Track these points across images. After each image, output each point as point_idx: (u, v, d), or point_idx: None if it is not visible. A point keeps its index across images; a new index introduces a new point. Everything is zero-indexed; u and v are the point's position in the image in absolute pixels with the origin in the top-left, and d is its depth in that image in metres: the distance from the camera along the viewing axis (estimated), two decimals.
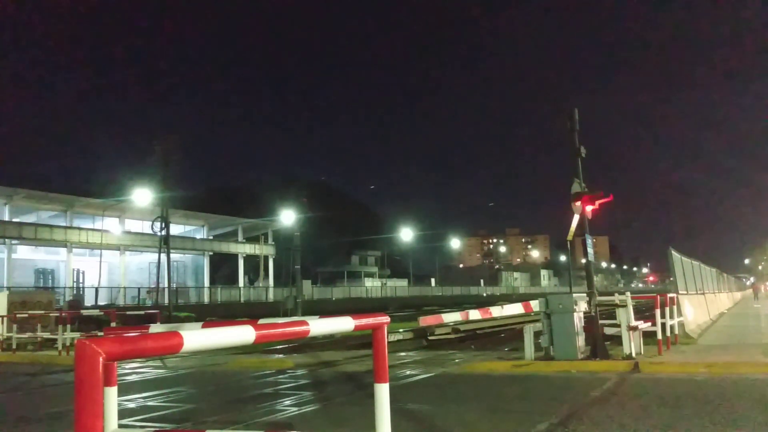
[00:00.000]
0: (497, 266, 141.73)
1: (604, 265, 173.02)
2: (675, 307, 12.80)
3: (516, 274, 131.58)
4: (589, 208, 10.66)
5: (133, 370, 11.98)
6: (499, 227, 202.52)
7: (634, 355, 10.14)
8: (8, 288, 34.19)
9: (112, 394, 2.79)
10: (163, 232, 32.93)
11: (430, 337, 16.36)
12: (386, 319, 3.01)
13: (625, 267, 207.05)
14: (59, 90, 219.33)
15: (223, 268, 62.07)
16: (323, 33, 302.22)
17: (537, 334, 10.80)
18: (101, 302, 39.25)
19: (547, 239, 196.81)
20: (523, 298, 17.73)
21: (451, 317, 14.21)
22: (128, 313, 21.73)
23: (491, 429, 5.90)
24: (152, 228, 34.69)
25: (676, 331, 12.73)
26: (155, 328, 4.75)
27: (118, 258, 46.69)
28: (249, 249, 58.13)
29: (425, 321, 14.24)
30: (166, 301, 33.68)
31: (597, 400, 7.10)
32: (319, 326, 2.75)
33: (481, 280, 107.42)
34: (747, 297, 49.20)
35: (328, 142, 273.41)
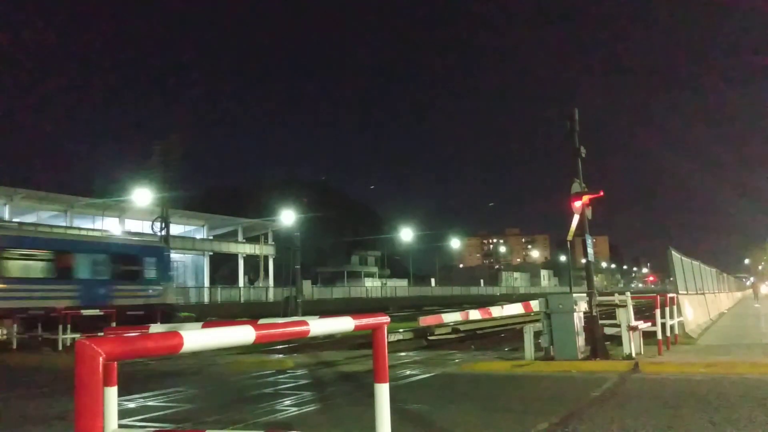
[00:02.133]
0: (497, 266, 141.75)
1: (604, 265, 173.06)
2: (675, 307, 12.80)
3: (516, 274, 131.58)
4: (578, 204, 10.64)
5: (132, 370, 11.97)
6: (499, 227, 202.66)
7: (634, 355, 10.14)
8: None
9: (112, 394, 2.79)
10: (163, 232, 32.92)
11: (430, 337, 16.36)
12: (386, 319, 3.02)
13: (625, 267, 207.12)
14: (59, 90, 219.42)
15: (223, 268, 62.08)
16: (323, 33, 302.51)
17: (537, 334, 10.81)
18: None
19: (547, 239, 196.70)
20: (523, 298, 17.74)
21: (451, 317, 14.22)
22: (128, 313, 21.68)
23: (491, 429, 5.90)
24: (152, 228, 34.65)
25: (676, 331, 12.74)
26: (155, 328, 4.76)
27: None
28: (249, 249, 58.11)
29: (425, 321, 14.24)
30: None
31: (597, 400, 7.10)
32: (319, 326, 2.75)
33: (481, 280, 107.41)
34: (747, 297, 49.20)
35: (328, 142, 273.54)
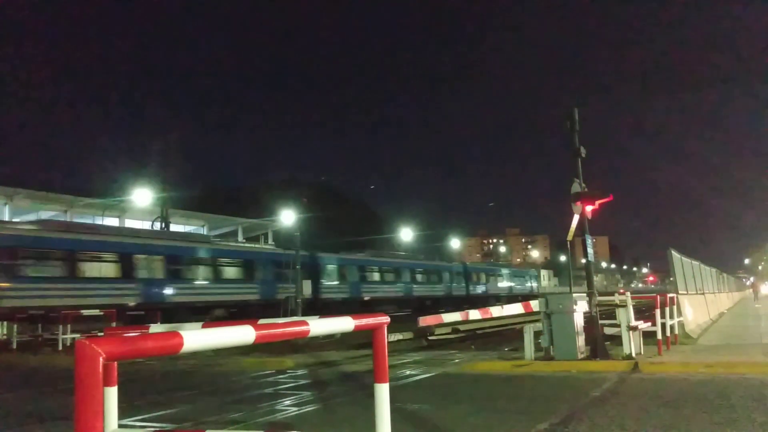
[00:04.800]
0: None
1: (604, 265, 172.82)
2: (675, 307, 12.80)
3: None
4: (589, 208, 10.67)
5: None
6: (499, 227, 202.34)
7: (634, 355, 10.14)
8: None
9: (112, 394, 2.79)
10: None
11: (430, 337, 16.34)
12: (386, 319, 3.01)
13: (625, 267, 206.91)
14: (59, 90, 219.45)
15: None
16: (323, 33, 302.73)
17: (537, 334, 10.80)
18: None
19: (547, 239, 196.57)
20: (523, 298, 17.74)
21: (451, 317, 14.23)
22: (129, 312, 21.72)
23: (491, 429, 5.90)
24: (152, 228, 34.73)
25: (676, 331, 12.74)
26: (155, 328, 4.74)
27: None
28: None
29: (425, 321, 14.25)
30: None
31: (597, 400, 7.10)
32: (319, 326, 2.75)
33: None
34: (747, 297, 49.20)
35: (328, 142, 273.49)
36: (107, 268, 23.33)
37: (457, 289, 47.38)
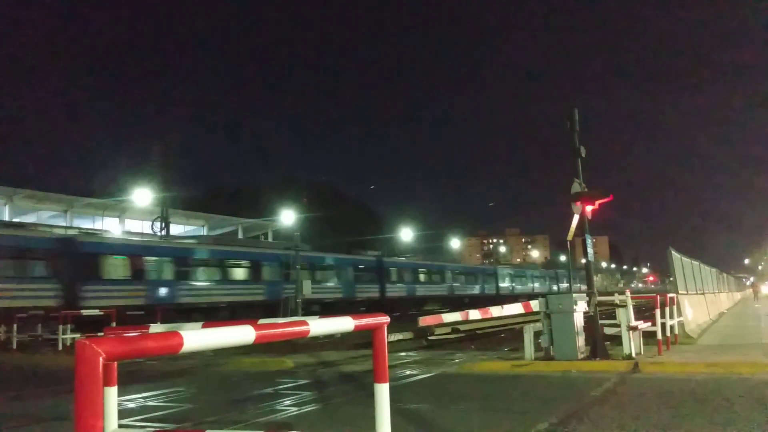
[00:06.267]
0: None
1: (604, 265, 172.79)
2: (675, 307, 12.80)
3: None
4: (589, 208, 10.67)
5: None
6: (499, 227, 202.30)
7: (634, 355, 10.14)
8: None
9: (112, 394, 2.79)
10: (163, 232, 33.02)
11: (430, 337, 16.35)
12: (386, 319, 3.01)
13: (625, 267, 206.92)
14: (59, 90, 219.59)
15: None
16: (323, 33, 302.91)
17: (537, 334, 10.81)
18: None
19: (547, 239, 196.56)
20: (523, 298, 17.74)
21: (451, 317, 14.24)
22: (128, 313, 21.74)
23: (491, 429, 5.90)
24: (152, 228, 34.80)
25: (676, 331, 12.74)
26: (155, 328, 4.75)
27: None
28: None
29: (425, 321, 14.25)
30: None
31: (597, 400, 7.10)
32: (319, 326, 2.75)
33: None
34: (747, 297, 49.23)
35: (329, 143, 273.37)
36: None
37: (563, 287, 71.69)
